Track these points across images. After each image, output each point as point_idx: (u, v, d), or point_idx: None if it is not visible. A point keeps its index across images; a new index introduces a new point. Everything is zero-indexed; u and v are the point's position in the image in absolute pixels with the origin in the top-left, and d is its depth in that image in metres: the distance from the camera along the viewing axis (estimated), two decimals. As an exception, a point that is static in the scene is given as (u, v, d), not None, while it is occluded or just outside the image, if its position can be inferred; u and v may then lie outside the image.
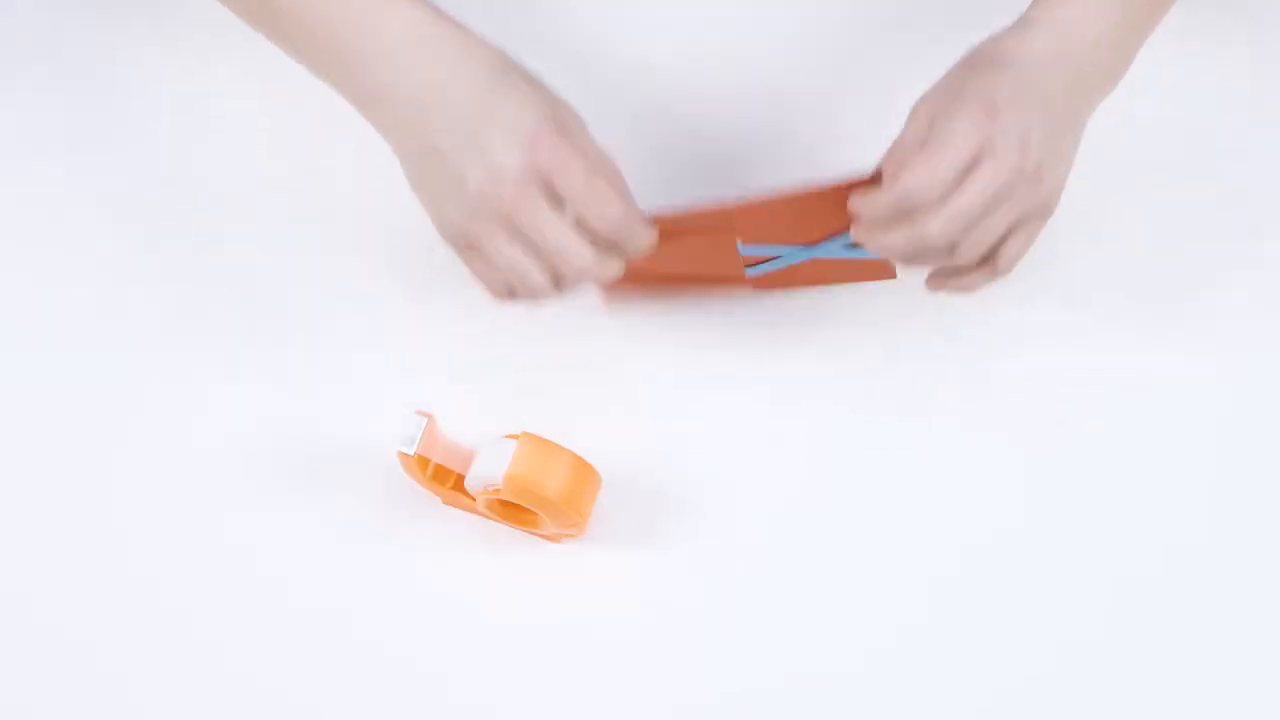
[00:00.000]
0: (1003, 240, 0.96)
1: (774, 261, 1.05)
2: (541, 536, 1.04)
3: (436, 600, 1.03)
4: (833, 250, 1.03)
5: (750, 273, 1.05)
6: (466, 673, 1.02)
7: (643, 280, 1.05)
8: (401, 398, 1.03)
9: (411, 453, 0.99)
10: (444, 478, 1.02)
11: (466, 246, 0.98)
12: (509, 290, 0.99)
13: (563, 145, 0.94)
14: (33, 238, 1.12)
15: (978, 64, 0.96)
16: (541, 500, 0.99)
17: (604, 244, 0.97)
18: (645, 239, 0.97)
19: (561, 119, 0.96)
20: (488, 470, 0.99)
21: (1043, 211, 0.96)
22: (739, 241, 1.03)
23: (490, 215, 0.96)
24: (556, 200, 0.95)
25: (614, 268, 0.97)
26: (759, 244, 1.03)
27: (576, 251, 0.96)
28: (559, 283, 0.97)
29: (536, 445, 0.99)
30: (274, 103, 1.14)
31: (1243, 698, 1.02)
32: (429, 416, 1.00)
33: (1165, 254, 1.10)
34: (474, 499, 1.02)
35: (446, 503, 1.04)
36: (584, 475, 1.00)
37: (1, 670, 1.03)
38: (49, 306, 1.10)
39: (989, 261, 0.97)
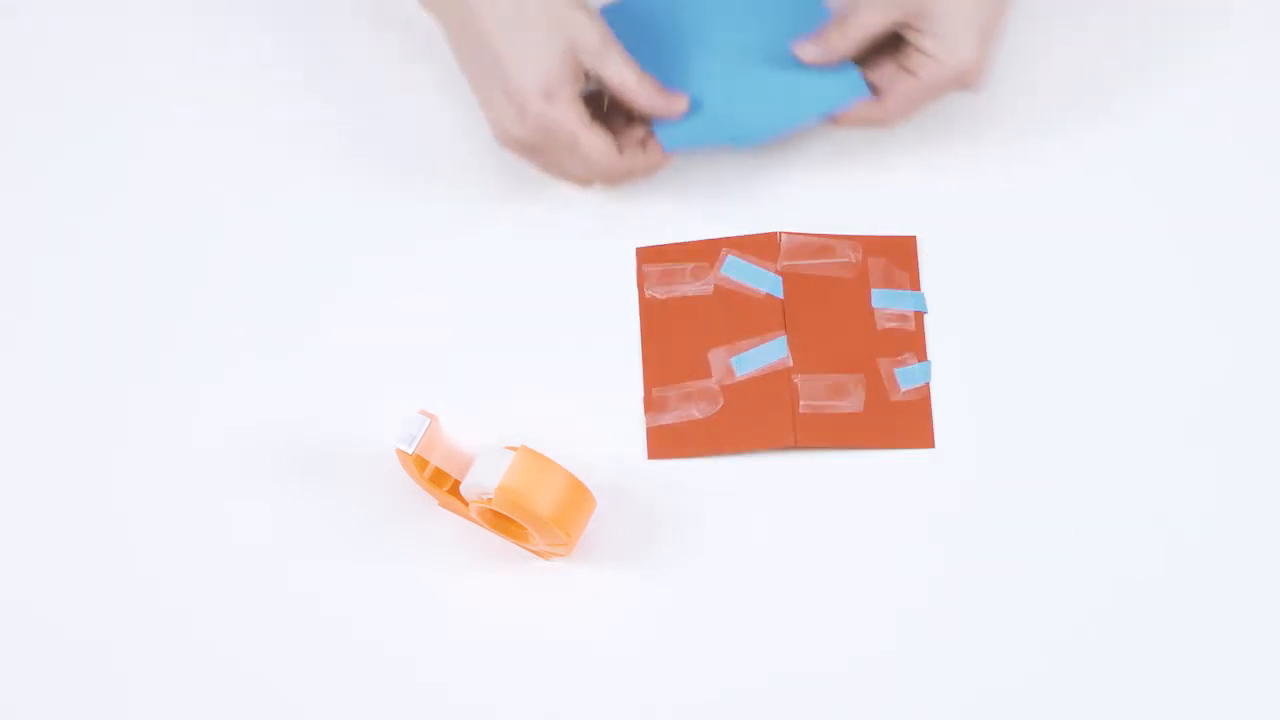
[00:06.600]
0: None
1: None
2: (530, 551, 1.04)
3: (431, 602, 1.04)
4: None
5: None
6: (458, 674, 1.03)
7: (688, 447, 1.05)
8: (404, 400, 1.03)
9: (410, 451, 0.99)
10: (441, 480, 1.02)
11: (525, 153, 1.04)
12: (584, 182, 1.06)
13: (548, 113, 1.01)
14: (32, 237, 1.12)
15: None
16: (531, 515, 0.99)
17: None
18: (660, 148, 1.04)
19: (581, 52, 1.01)
20: (482, 479, 0.99)
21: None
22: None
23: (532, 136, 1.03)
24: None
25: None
26: None
27: (609, 166, 1.03)
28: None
29: (533, 460, 0.99)
30: (273, 100, 1.15)
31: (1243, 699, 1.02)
32: (432, 418, 1.00)
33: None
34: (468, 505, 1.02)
35: (442, 505, 1.04)
36: (577, 496, 1.00)
37: (2, 670, 1.04)
38: (49, 305, 1.11)
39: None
